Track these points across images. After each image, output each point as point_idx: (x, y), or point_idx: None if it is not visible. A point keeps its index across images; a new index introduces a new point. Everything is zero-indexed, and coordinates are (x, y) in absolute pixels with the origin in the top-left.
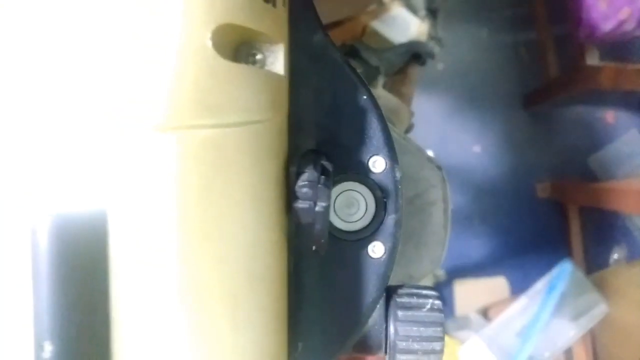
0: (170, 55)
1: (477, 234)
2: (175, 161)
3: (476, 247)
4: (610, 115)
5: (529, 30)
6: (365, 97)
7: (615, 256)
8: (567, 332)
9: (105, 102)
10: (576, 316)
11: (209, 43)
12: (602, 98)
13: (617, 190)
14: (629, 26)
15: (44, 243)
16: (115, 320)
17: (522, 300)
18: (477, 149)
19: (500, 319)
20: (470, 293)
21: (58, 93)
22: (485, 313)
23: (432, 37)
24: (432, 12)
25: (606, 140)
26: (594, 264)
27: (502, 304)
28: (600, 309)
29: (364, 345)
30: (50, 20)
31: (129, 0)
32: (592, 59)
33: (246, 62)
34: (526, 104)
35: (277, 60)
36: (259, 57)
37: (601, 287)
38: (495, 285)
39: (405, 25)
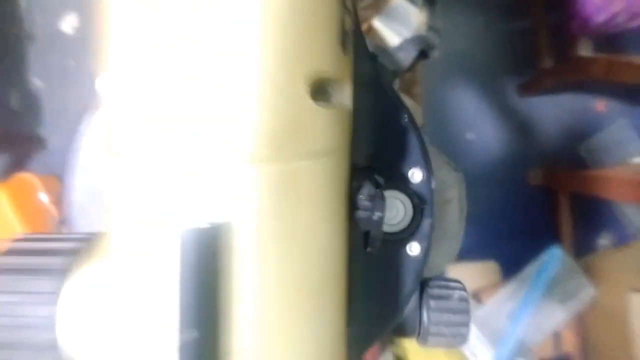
0: (266, 102)
1: (469, 219)
2: (268, 188)
3: (468, 232)
4: (601, 105)
5: (524, 19)
6: (406, 117)
7: (603, 241)
8: (556, 315)
9: (219, 141)
10: (564, 299)
11: (303, 89)
12: (594, 88)
13: (606, 178)
14: (622, 19)
15: (190, 252)
16: (226, 310)
17: (513, 284)
18: (470, 136)
19: (492, 302)
20: (462, 277)
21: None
22: (476, 296)
23: (430, 27)
24: (429, 1)
25: (597, 129)
26: (582, 249)
27: (493, 287)
28: (588, 293)
29: (401, 330)
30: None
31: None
32: (585, 50)
33: (322, 99)
34: (519, 92)
35: (345, 96)
36: (331, 93)
37: (589, 271)
38: (487, 270)
39: (406, 15)
